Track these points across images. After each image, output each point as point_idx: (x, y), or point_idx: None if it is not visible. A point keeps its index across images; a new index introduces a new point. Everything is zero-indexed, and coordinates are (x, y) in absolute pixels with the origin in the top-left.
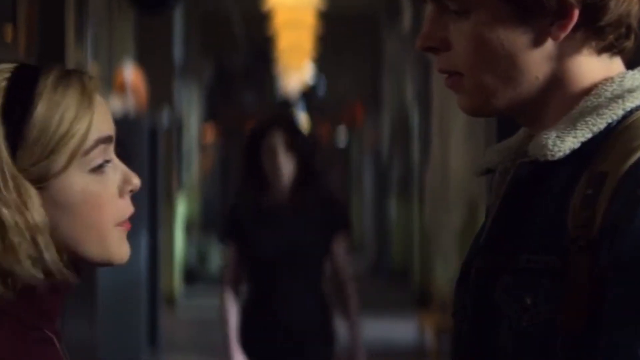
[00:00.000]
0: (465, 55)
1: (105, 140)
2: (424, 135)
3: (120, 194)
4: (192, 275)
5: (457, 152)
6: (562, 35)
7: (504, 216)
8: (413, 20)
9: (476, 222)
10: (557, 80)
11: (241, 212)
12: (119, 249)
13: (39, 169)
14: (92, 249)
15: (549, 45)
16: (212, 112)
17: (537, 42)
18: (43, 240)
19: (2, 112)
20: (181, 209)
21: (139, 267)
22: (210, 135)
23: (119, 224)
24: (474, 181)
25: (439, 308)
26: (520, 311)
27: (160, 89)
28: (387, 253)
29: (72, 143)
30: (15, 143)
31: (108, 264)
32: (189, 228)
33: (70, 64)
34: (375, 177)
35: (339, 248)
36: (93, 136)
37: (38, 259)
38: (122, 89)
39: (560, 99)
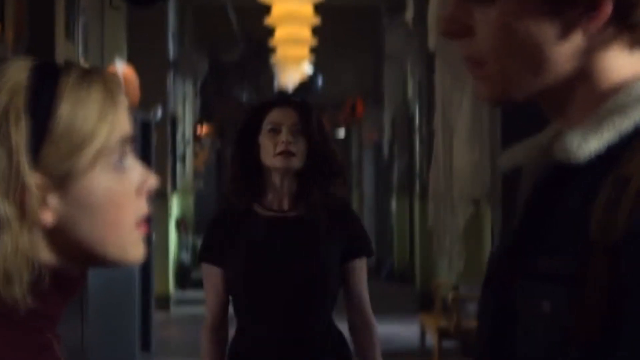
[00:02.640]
0: (490, 44)
1: (127, 139)
2: (426, 131)
3: (138, 193)
4: (186, 277)
5: (461, 149)
6: (593, 29)
7: (527, 219)
8: (415, 12)
9: (481, 222)
10: (585, 75)
11: (228, 223)
12: (136, 249)
13: (65, 167)
14: (110, 249)
15: (578, 38)
16: (207, 108)
17: (566, 34)
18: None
19: (26, 109)
20: (175, 208)
21: (131, 269)
22: (205, 132)
23: (137, 224)
24: (478, 179)
25: (442, 310)
26: (537, 318)
27: (153, 84)
28: (388, 252)
29: (98, 141)
30: (41, 140)
31: (123, 264)
32: (183, 227)
33: (60, 59)
34: (375, 174)
35: (358, 279)
36: (116, 135)
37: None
38: None
39: (587, 94)
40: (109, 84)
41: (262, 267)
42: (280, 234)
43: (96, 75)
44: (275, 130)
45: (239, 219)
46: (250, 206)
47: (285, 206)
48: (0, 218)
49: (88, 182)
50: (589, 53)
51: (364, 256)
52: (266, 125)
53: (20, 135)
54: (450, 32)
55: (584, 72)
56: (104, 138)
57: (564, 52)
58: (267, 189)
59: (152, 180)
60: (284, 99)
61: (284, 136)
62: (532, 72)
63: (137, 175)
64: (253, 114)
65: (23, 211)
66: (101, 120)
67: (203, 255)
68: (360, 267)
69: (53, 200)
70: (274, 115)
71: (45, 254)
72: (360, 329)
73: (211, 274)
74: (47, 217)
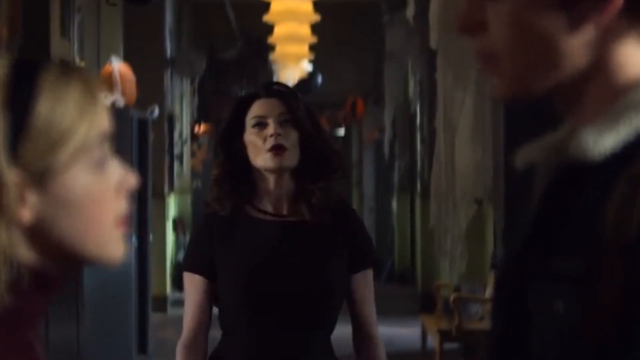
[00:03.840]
0: (502, 39)
1: (107, 137)
2: (428, 130)
3: (118, 192)
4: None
5: (463, 148)
6: (604, 21)
7: (540, 218)
8: (417, 10)
9: (484, 222)
10: (600, 70)
11: (217, 229)
12: (116, 248)
13: (44, 164)
14: (89, 247)
15: (590, 31)
16: (205, 107)
17: (578, 27)
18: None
19: (5, 106)
20: (172, 208)
21: (127, 270)
22: (203, 131)
23: (117, 223)
24: (480, 179)
25: (443, 311)
26: (549, 319)
27: (150, 83)
28: (388, 253)
29: (77, 138)
30: (19, 136)
31: (102, 263)
32: (181, 228)
33: (55, 57)
34: (376, 174)
35: (362, 295)
36: (96, 132)
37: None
38: (110, 82)
39: (602, 89)
40: (88, 81)
41: (261, 278)
42: (281, 241)
43: (75, 72)
44: (261, 124)
45: (230, 224)
46: (241, 210)
47: (285, 210)
48: None
49: (67, 180)
50: (603, 47)
51: (369, 268)
52: (250, 121)
53: None
54: (464, 29)
55: (599, 67)
56: (83, 135)
57: (577, 45)
58: (259, 192)
59: (132, 179)
60: (265, 89)
61: (271, 129)
62: (546, 67)
63: (116, 174)
64: (234, 110)
65: (0, 208)
66: (80, 117)
67: (187, 264)
68: (365, 282)
69: (31, 197)
70: (258, 108)
71: (24, 252)
72: (365, 349)
73: (194, 285)
74: (25, 214)
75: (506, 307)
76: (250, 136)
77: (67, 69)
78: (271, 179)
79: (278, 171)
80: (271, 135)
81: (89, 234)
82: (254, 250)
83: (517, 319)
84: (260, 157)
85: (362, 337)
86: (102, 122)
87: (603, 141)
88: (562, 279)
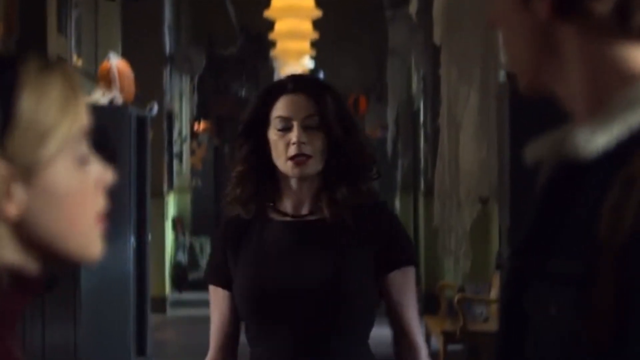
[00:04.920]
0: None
1: (86, 132)
2: (431, 128)
3: (96, 188)
4: (183, 278)
5: (468, 145)
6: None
7: (539, 217)
8: (420, 5)
9: (489, 221)
10: (594, 69)
11: (237, 235)
12: (96, 245)
13: (29, 158)
14: (71, 244)
15: (573, 29)
16: (204, 104)
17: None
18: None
19: None
20: (171, 207)
21: (126, 270)
22: (203, 128)
23: (96, 220)
24: (485, 177)
25: (447, 312)
26: (545, 321)
27: (149, 80)
28: None
29: (61, 132)
30: (4, 131)
31: (82, 260)
32: (180, 227)
33: (52, 53)
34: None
35: (401, 295)
36: (77, 127)
37: None
38: (108, 79)
39: (597, 88)
40: (69, 76)
41: (276, 283)
42: (295, 242)
43: (56, 66)
44: (284, 128)
45: (246, 228)
46: (261, 212)
47: (305, 210)
48: None
49: (51, 175)
50: (595, 46)
51: (406, 266)
52: (274, 120)
53: None
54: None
55: (593, 66)
56: (67, 129)
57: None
58: (282, 191)
59: (109, 175)
60: (293, 81)
61: (294, 135)
62: (542, 63)
63: (95, 170)
64: (258, 103)
65: None
66: (63, 111)
67: (208, 275)
68: (404, 281)
69: (17, 192)
70: (282, 107)
71: (8, 249)
72: (406, 354)
73: (217, 298)
74: (12, 209)
75: (507, 308)
76: (274, 136)
77: (47, 64)
78: (293, 182)
79: (300, 177)
80: (293, 143)
81: (71, 230)
82: (264, 254)
83: (517, 321)
84: (281, 162)
85: (402, 344)
86: (83, 117)
87: (595, 140)
88: (558, 280)
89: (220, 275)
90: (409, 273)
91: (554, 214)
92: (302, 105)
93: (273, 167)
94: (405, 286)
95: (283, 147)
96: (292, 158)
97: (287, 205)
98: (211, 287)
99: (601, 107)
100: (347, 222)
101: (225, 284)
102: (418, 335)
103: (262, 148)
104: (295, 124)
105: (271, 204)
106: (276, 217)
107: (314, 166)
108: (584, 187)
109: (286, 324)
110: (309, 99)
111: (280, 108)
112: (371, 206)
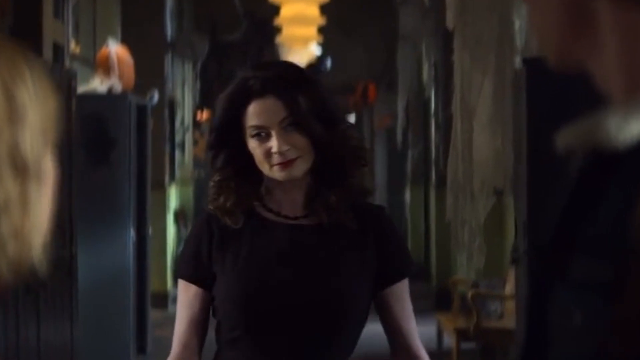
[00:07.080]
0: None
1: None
2: (443, 116)
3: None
4: None
5: (482, 135)
6: None
7: (567, 214)
8: None
9: (504, 214)
10: (630, 39)
11: (218, 229)
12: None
13: None
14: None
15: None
16: (207, 92)
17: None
18: None
19: None
20: (173, 199)
21: (125, 264)
22: (206, 117)
23: None
24: (500, 168)
25: (460, 309)
26: (569, 329)
27: (150, 67)
28: None
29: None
30: None
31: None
32: (182, 220)
33: (48, 39)
34: (388, 163)
35: (399, 310)
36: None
37: None
38: (107, 66)
39: (636, 63)
40: (14, 54)
41: (276, 294)
42: (289, 247)
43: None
44: (262, 136)
45: (240, 226)
46: (252, 211)
47: (299, 211)
48: None
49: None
50: (633, 15)
51: (403, 279)
52: (249, 129)
53: None
54: None
55: (630, 39)
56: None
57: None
58: (271, 189)
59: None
60: (260, 84)
61: (275, 144)
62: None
63: None
64: (227, 111)
65: None
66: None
67: (181, 270)
68: (401, 295)
69: None
70: (254, 115)
71: None
72: None
73: (189, 295)
74: None
75: (529, 314)
76: (252, 144)
77: None
78: (283, 183)
79: (287, 180)
80: (275, 153)
81: None
82: (256, 257)
83: (540, 329)
84: (266, 169)
85: (404, 358)
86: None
87: (629, 127)
88: (585, 286)
89: (198, 272)
90: (405, 284)
91: (583, 211)
92: (274, 110)
93: (256, 169)
94: (403, 299)
95: (264, 156)
96: (276, 164)
97: (279, 203)
98: (183, 283)
99: (639, 88)
100: (346, 226)
101: (202, 282)
102: (421, 350)
103: (240, 152)
104: (272, 132)
105: (260, 202)
106: (270, 216)
107: (302, 165)
108: (616, 180)
109: (284, 334)
110: (279, 101)
111: (252, 117)
112: (367, 210)
